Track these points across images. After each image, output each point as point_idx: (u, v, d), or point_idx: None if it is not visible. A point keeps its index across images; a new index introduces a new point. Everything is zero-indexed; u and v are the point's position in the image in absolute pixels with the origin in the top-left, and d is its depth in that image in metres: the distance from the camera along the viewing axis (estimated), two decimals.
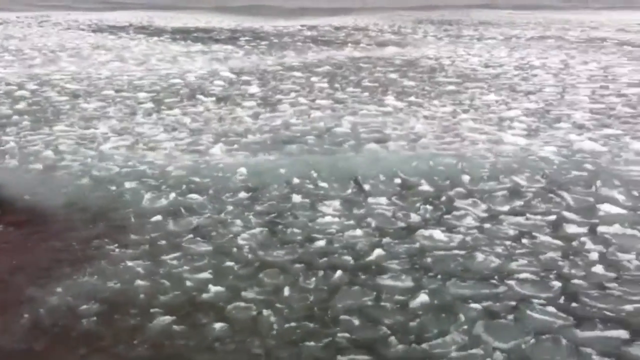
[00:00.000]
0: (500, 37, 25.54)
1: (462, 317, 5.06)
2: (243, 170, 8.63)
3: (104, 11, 47.28)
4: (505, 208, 7.47)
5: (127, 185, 8.13)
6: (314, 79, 16.30)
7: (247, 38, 27.27)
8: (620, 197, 7.72)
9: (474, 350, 4.67)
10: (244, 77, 16.50)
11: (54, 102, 13.46)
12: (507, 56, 20.18)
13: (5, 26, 33.02)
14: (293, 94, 14.34)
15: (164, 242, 6.51)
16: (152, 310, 5.17)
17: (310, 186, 8.15)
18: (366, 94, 14.51)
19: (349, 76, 16.93)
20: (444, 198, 7.80)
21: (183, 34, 28.55)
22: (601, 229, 6.81)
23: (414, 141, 10.29)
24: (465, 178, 8.39)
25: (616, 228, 6.77)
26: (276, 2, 54.46)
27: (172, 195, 7.77)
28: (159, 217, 7.09)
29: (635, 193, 7.84)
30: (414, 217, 7.21)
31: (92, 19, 39.45)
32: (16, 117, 11.88)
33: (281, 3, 54.23)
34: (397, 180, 8.35)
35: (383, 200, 7.71)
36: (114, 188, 8.05)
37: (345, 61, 19.23)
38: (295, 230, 6.83)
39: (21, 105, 13.05)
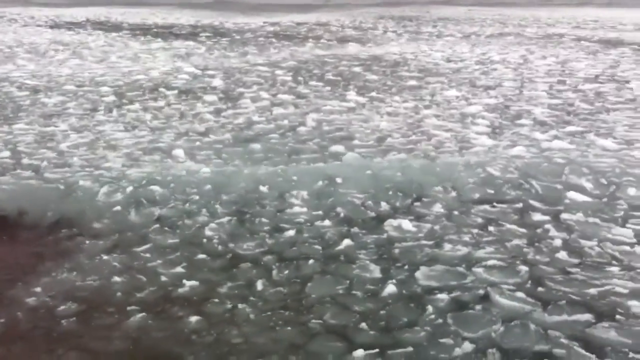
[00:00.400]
0: (459, 35, 25.87)
1: (430, 308, 5.22)
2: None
3: (61, 7, 46.32)
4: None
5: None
6: (278, 71, 16.31)
7: (207, 34, 27.08)
8: (588, 185, 8.04)
9: (443, 340, 4.80)
10: (209, 72, 16.40)
11: (14, 98, 13.26)
12: (469, 52, 20.45)
13: None
14: (255, 87, 14.31)
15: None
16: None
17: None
18: (328, 88, 14.62)
19: (312, 70, 16.96)
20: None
21: (142, 30, 28.20)
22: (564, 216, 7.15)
23: (380, 140, 10.32)
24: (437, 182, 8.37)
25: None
26: None
27: (131, 189, 7.79)
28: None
29: (604, 181, 8.13)
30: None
31: (49, 15, 38.64)
32: None
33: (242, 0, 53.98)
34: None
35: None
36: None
37: (308, 57, 19.31)
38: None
39: None
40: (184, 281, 5.71)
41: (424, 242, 6.57)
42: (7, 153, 9.42)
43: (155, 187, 7.84)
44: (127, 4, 49.39)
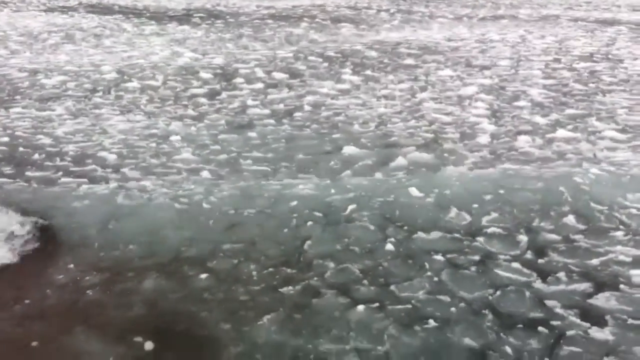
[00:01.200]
0: (451, 16, 25.73)
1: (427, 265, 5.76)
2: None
3: None
4: None
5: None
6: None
7: (201, 15, 26.90)
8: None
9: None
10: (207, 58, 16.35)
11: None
12: (468, 32, 20.36)
13: None
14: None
15: None
16: None
17: None
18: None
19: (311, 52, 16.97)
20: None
21: (135, 14, 28.00)
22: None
23: (381, 124, 10.35)
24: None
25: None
26: None
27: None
28: None
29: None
30: None
31: None
32: None
33: None
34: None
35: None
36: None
37: (305, 35, 19.33)
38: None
39: None
40: None
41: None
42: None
43: None
44: None
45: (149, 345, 4.68)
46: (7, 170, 8.32)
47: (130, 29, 21.01)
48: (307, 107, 11.41)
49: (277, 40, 18.57)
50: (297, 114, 10.98)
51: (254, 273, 5.71)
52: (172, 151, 9.05)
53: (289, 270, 5.77)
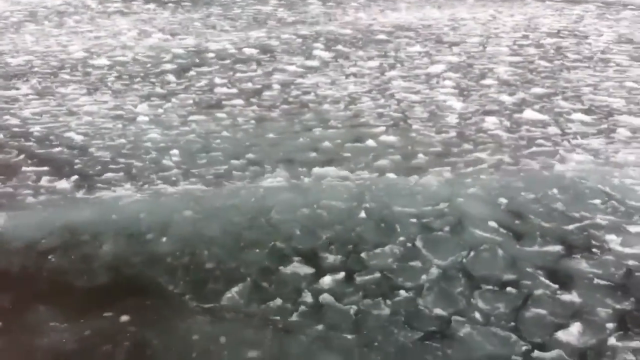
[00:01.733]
0: None
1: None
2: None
3: None
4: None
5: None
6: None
7: None
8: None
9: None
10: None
11: None
12: (439, 12, 20.40)
13: None
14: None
15: None
16: None
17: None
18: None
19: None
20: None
21: None
22: None
23: (349, 104, 10.39)
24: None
25: None
26: None
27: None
28: None
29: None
30: None
31: None
32: None
33: None
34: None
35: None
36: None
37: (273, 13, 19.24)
38: None
39: None
40: None
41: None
42: None
43: None
44: None
45: None
46: None
47: (94, 6, 20.68)
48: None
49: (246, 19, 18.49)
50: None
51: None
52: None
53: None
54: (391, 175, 7.35)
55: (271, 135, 8.88)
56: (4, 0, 22.30)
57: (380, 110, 10.07)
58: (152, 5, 21.23)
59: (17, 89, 11.17)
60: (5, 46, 14.76)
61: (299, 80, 11.87)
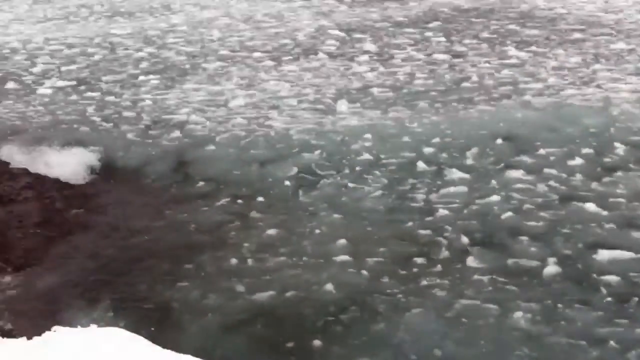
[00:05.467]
0: None
1: None
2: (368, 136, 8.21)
3: None
4: None
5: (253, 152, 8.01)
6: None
7: None
8: None
9: None
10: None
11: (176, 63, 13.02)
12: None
13: None
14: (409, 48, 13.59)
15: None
16: None
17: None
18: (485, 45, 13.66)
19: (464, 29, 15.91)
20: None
21: None
22: None
23: (552, 95, 9.54)
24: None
25: None
26: None
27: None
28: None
29: None
30: None
31: None
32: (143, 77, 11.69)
33: None
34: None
35: None
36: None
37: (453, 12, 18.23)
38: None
39: (144, 65, 12.71)
40: None
41: None
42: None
43: None
44: None
45: None
46: None
47: (277, 4, 20.62)
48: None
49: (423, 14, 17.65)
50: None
51: None
52: None
53: None
54: None
55: None
56: None
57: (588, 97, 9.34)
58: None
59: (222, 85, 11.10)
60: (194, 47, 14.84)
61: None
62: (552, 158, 7.55)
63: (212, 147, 8.27)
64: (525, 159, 7.58)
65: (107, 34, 15.52)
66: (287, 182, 7.25)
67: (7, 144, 8.69)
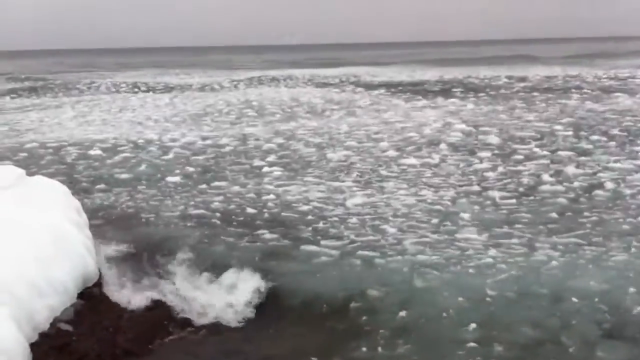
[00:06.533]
0: None
1: None
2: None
3: (315, 67, 49.61)
4: None
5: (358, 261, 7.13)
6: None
7: (459, 88, 26.57)
8: None
9: None
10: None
11: (303, 154, 13.27)
12: None
13: (231, 88, 34.91)
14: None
15: None
16: None
17: None
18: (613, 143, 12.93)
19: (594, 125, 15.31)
20: None
21: (395, 87, 28.64)
22: None
23: None
24: None
25: None
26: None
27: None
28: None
29: None
30: None
31: (305, 74, 41.39)
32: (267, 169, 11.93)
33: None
34: None
35: None
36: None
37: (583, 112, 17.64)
38: None
39: (271, 158, 13.06)
40: None
41: None
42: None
43: None
44: (356, 64, 51.34)
45: None
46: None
47: (400, 103, 21.16)
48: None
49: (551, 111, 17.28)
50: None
51: None
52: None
53: None
54: None
55: None
56: (319, 98, 23.81)
57: None
58: (454, 100, 21.13)
59: (342, 181, 10.93)
60: (322, 138, 15.14)
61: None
62: None
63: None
64: None
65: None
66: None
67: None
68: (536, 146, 13.06)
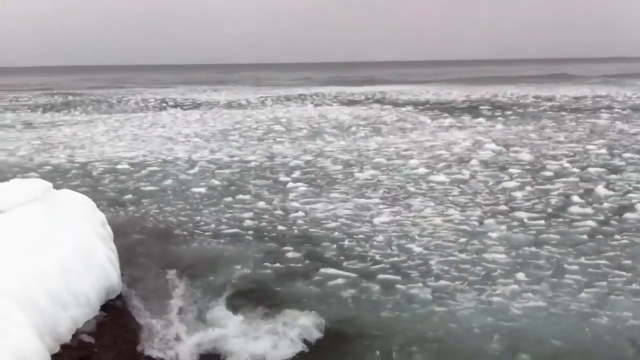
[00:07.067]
0: None
1: None
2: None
3: (341, 85, 49.70)
4: None
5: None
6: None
7: (486, 107, 26.35)
8: None
9: None
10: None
11: (329, 172, 13.15)
12: None
13: (258, 104, 35.06)
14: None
15: None
16: None
17: None
18: None
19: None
20: None
21: (421, 105, 28.51)
22: None
23: None
24: None
25: None
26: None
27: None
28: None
29: None
30: None
31: (332, 92, 41.48)
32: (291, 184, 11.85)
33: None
34: None
35: None
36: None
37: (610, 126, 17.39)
38: None
39: (296, 174, 12.99)
40: None
41: None
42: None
43: None
44: (382, 83, 51.28)
45: None
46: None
47: (427, 121, 21.04)
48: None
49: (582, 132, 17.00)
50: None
51: None
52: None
53: None
54: None
55: None
56: (347, 115, 23.77)
57: None
58: (481, 119, 20.96)
59: (369, 198, 10.80)
60: (351, 155, 15.04)
61: None
62: None
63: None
64: None
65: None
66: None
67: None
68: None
